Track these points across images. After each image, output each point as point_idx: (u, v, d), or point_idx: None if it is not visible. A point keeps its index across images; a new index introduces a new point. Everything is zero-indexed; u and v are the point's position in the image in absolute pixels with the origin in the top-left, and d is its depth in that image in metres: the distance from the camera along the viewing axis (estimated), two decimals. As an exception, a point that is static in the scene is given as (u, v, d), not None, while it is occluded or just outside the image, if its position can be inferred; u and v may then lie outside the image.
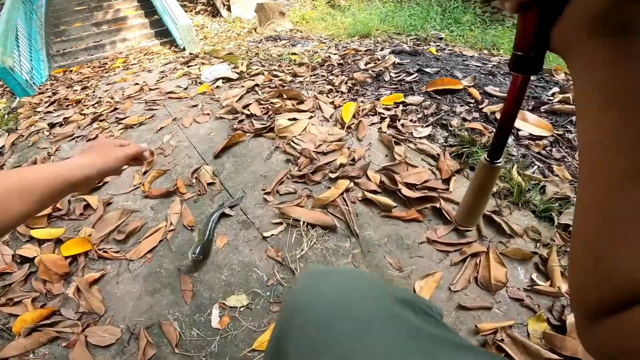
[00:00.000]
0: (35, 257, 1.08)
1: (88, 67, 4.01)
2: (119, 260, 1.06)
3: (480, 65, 2.13)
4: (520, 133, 1.34)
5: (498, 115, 1.44)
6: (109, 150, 0.55)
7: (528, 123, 1.34)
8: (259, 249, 1.02)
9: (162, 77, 2.67)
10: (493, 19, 4.95)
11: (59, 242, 1.14)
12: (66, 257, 1.08)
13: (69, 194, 0.51)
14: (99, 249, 1.10)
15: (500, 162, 0.41)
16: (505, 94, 1.64)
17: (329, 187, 1.15)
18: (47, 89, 3.40)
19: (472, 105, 1.59)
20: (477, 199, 0.45)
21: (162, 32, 4.75)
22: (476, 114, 1.52)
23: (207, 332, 0.85)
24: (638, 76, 0.21)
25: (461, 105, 1.61)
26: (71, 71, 3.98)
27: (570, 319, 0.73)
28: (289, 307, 0.38)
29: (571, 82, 0.30)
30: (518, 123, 1.36)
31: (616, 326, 0.21)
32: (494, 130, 0.48)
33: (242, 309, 0.88)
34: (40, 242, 1.17)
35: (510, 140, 1.32)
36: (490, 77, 1.89)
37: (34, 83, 3.66)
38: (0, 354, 0.88)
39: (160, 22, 4.87)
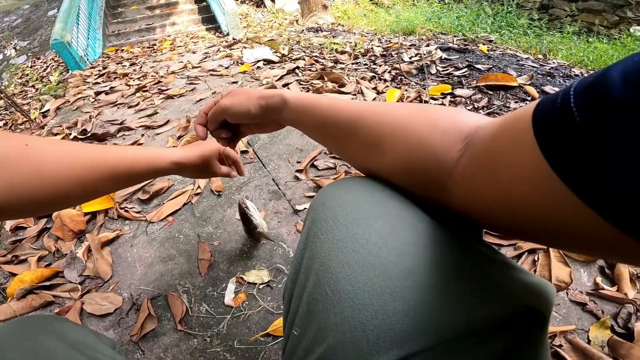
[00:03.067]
0: (54, 211, 1.02)
1: (138, 47, 4.19)
2: (138, 222, 1.01)
3: (537, 66, 1.98)
4: None
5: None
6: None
7: None
8: (288, 222, 0.95)
9: (206, 58, 2.71)
10: (550, 25, 4.65)
11: (84, 198, 1.10)
12: (86, 214, 1.03)
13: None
14: (121, 207, 1.05)
15: None
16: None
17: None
18: (99, 65, 3.57)
19: (528, 102, 1.46)
20: None
21: (209, 19, 4.89)
22: (533, 111, 1.39)
23: (218, 309, 0.76)
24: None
25: (516, 102, 1.48)
26: (123, 50, 4.17)
27: (638, 327, 0.62)
28: (317, 205, 0.35)
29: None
30: None
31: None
32: None
33: (261, 287, 0.79)
34: (66, 197, 1.14)
35: None
36: (548, 77, 1.74)
37: (87, 59, 3.87)
38: None
39: (207, 8, 5.02)
